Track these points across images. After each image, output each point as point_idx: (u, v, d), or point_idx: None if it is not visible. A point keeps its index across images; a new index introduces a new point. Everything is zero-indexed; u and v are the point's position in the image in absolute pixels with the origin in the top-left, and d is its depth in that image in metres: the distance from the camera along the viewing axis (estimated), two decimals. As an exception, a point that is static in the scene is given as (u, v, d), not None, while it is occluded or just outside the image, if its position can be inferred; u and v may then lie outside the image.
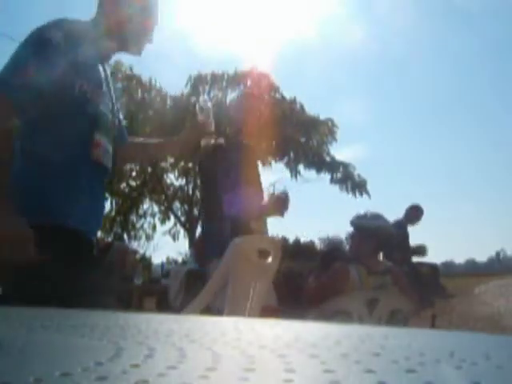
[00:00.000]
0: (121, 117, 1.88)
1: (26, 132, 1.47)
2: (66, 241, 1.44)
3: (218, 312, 1.84)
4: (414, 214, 5.86)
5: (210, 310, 1.84)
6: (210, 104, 1.94)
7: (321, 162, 9.32)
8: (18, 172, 1.42)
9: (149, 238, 11.13)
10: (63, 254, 1.38)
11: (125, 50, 1.69)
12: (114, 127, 1.67)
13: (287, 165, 9.32)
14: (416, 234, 6.40)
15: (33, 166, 1.47)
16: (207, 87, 10.06)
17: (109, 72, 1.72)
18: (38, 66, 1.37)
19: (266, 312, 1.83)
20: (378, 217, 3.02)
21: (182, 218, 10.98)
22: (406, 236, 5.82)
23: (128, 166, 10.24)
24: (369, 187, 9.00)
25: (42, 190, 1.45)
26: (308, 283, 3.05)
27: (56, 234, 1.42)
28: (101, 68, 1.63)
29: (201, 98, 10.23)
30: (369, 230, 2.97)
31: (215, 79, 9.99)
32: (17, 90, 1.36)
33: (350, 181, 8.91)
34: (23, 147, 1.47)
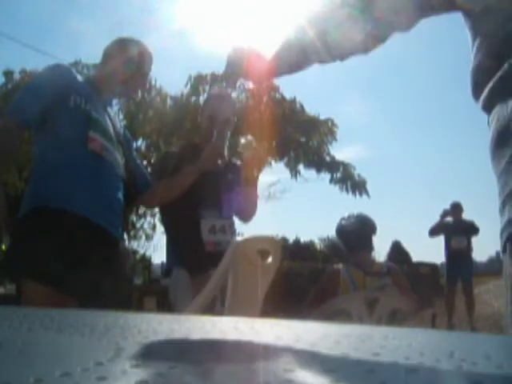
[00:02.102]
0: (143, 168, 2.18)
1: (35, 136, 1.83)
2: (71, 224, 1.67)
3: (217, 312, 1.84)
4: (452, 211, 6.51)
5: (210, 310, 1.84)
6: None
7: (321, 162, 9.31)
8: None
9: (149, 237, 11.12)
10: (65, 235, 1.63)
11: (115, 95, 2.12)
12: (119, 142, 1.94)
13: (287, 165, 9.31)
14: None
15: (41, 161, 1.79)
16: (207, 87, 10.05)
17: (112, 114, 2.04)
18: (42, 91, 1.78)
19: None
20: (349, 217, 3.03)
21: (182, 218, 10.96)
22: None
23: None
24: (369, 187, 8.99)
25: (48, 178, 1.74)
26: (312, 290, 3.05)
27: (61, 216, 1.67)
28: (101, 106, 1.91)
29: (201, 98, 10.25)
30: (338, 232, 3.05)
31: (215, 79, 9.99)
32: (27, 115, 1.75)
33: (349, 181, 8.90)
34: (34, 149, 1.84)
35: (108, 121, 1.92)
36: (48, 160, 1.76)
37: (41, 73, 1.92)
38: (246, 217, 2.36)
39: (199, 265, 2.07)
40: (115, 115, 2.05)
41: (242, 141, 2.20)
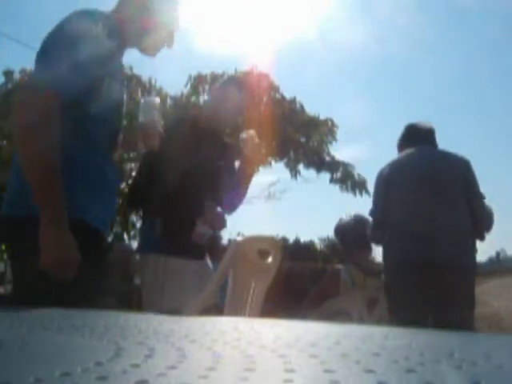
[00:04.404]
0: None
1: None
2: (87, 238, 1.37)
3: (217, 312, 1.84)
4: None
5: (210, 310, 1.84)
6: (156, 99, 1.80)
7: (321, 162, 9.32)
8: None
9: (149, 238, 11.10)
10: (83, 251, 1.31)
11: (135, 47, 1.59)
12: None
13: (287, 165, 9.31)
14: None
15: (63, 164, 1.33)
16: (207, 87, 10.06)
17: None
18: (83, 61, 1.27)
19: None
20: (346, 218, 3.03)
21: (182, 218, 10.96)
22: None
23: (128, 166, 10.22)
24: (369, 187, 9.00)
25: (69, 187, 1.31)
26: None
27: (79, 230, 1.33)
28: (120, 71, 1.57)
29: (201, 98, 10.27)
30: (335, 232, 3.06)
31: (215, 79, 10.00)
32: (68, 86, 1.26)
33: (349, 180, 8.91)
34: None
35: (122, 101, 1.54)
36: (73, 163, 1.34)
37: (87, 26, 1.32)
38: (233, 210, 2.34)
39: (195, 252, 2.05)
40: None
41: (243, 135, 2.16)
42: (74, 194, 1.33)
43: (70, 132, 1.30)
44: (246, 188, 2.25)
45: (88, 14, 1.40)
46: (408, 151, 2.48)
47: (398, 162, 2.46)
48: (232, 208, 2.28)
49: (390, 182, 2.40)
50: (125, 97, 1.58)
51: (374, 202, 2.51)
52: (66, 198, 1.28)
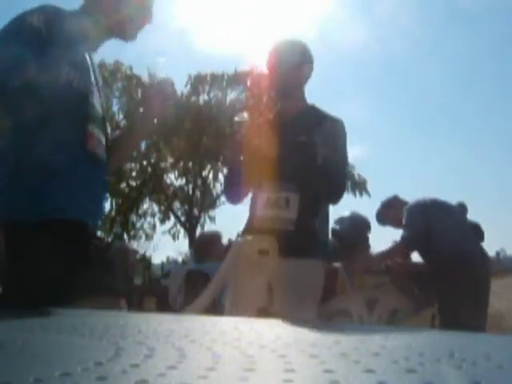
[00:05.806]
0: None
1: (16, 132, 1.31)
2: (67, 235, 1.34)
3: (218, 312, 1.84)
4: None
5: (210, 310, 1.84)
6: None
7: (321, 162, 9.33)
8: (11, 172, 1.33)
9: (149, 237, 11.12)
10: (63, 249, 1.29)
11: (119, 37, 1.55)
12: (103, 117, 1.54)
13: (287, 165, 9.31)
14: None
15: (27, 164, 1.32)
16: (207, 87, 10.08)
17: (95, 63, 1.55)
18: (24, 57, 1.26)
19: (260, 313, 1.75)
20: (341, 220, 3.01)
21: (182, 218, 10.98)
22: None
23: (128, 166, 10.22)
24: (369, 187, 9.01)
25: (41, 187, 1.32)
26: None
27: (57, 228, 1.32)
28: (87, 57, 1.47)
29: (201, 98, 10.27)
30: (334, 232, 3.04)
31: (215, 79, 10.02)
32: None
33: (349, 180, 8.92)
34: (15, 147, 1.34)
35: (96, 89, 1.49)
36: (36, 163, 1.31)
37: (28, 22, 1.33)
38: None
39: None
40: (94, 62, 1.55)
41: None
42: (48, 194, 1.31)
43: (28, 133, 1.30)
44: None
45: (40, 10, 1.38)
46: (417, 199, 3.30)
47: (424, 199, 3.22)
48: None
49: (425, 207, 3.09)
50: (98, 89, 1.50)
51: (410, 224, 3.01)
52: (40, 199, 1.29)
